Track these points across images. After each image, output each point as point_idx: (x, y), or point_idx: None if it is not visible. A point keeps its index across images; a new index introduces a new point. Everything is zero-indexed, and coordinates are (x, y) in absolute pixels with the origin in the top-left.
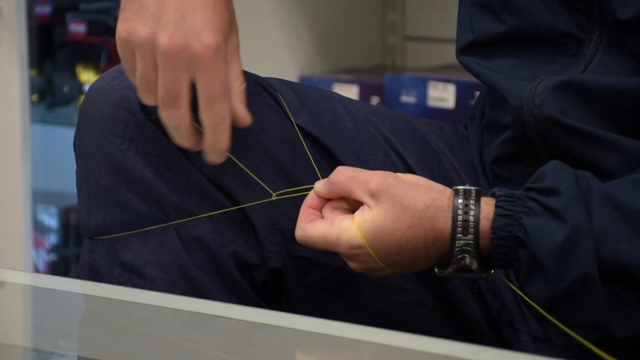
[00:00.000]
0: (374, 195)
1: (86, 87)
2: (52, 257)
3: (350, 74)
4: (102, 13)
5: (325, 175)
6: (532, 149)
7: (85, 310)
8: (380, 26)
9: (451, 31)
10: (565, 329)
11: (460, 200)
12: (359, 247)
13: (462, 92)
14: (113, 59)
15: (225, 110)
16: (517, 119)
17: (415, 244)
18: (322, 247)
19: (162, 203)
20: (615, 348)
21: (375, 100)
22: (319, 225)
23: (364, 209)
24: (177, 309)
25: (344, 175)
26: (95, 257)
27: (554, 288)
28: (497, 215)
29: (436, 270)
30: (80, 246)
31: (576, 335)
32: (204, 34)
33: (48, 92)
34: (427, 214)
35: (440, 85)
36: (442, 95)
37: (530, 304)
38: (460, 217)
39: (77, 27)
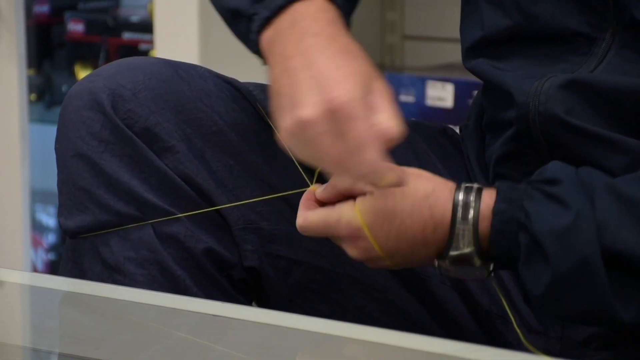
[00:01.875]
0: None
1: None
2: (51, 256)
3: None
4: (100, 12)
5: (301, 178)
6: (535, 147)
7: (83, 309)
8: (379, 25)
9: (450, 30)
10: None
11: (461, 193)
12: (358, 230)
13: (461, 92)
14: (111, 58)
15: (372, 160)
16: (522, 115)
17: (413, 232)
18: (323, 232)
19: (139, 202)
20: (618, 343)
21: None
22: (320, 211)
23: (365, 196)
24: (182, 309)
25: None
26: (78, 255)
27: (556, 271)
28: (498, 201)
29: (436, 262)
30: None
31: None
32: (333, 89)
33: (46, 92)
34: (427, 203)
35: (439, 84)
36: (441, 95)
37: (527, 296)
38: (461, 206)
39: (76, 27)
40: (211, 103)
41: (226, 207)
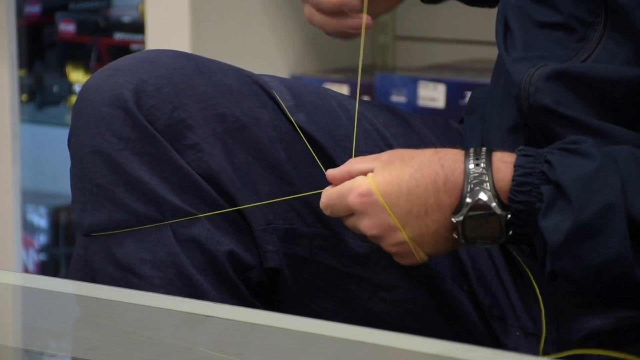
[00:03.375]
0: (386, 158)
1: (76, 87)
2: (42, 257)
3: (341, 74)
4: (91, 13)
5: (321, 173)
6: (535, 139)
7: (76, 311)
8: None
9: (442, 31)
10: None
11: (471, 150)
12: (369, 193)
13: (453, 92)
14: (102, 58)
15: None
16: (519, 107)
17: (425, 186)
18: (336, 202)
19: (159, 202)
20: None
21: (365, 99)
22: (337, 186)
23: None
24: (169, 309)
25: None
26: (90, 254)
27: (578, 216)
28: (519, 155)
29: (453, 219)
30: (71, 246)
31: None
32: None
33: (38, 92)
34: (436, 157)
35: (431, 84)
36: (433, 95)
37: (543, 261)
38: (472, 154)
39: (67, 27)
40: (233, 98)
41: (245, 207)
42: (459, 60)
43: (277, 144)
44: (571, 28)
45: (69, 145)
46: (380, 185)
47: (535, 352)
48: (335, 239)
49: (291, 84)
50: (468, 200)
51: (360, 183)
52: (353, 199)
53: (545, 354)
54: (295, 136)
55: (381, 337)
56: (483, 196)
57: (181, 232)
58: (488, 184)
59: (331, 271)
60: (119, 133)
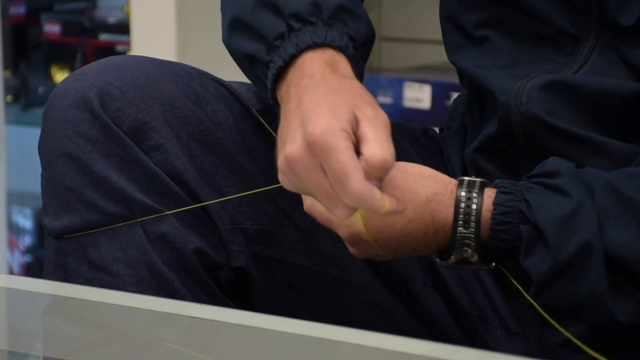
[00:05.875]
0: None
1: None
2: (27, 258)
3: None
4: (77, 13)
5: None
6: (517, 147)
7: (59, 311)
8: None
9: (428, 32)
10: (558, 327)
11: (463, 193)
12: (359, 233)
13: (438, 93)
14: (88, 59)
15: (357, 189)
16: (504, 115)
17: (415, 236)
18: (324, 224)
19: (128, 201)
20: (612, 346)
21: None
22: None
23: None
24: (146, 309)
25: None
26: (62, 256)
27: (555, 258)
28: (499, 192)
29: (437, 260)
30: None
31: (562, 329)
32: (309, 123)
33: (23, 93)
34: (428, 208)
35: (417, 85)
36: (418, 96)
37: (525, 287)
38: (462, 210)
39: (52, 28)
40: (198, 101)
41: (212, 202)
42: (445, 61)
43: (242, 147)
44: (559, 42)
45: (39, 150)
46: (372, 233)
47: (518, 352)
48: (307, 240)
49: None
50: (455, 256)
51: (350, 223)
52: (342, 232)
53: (527, 354)
54: (262, 140)
55: (364, 338)
56: (468, 253)
57: (151, 230)
58: (474, 244)
59: (305, 271)
60: (86, 135)
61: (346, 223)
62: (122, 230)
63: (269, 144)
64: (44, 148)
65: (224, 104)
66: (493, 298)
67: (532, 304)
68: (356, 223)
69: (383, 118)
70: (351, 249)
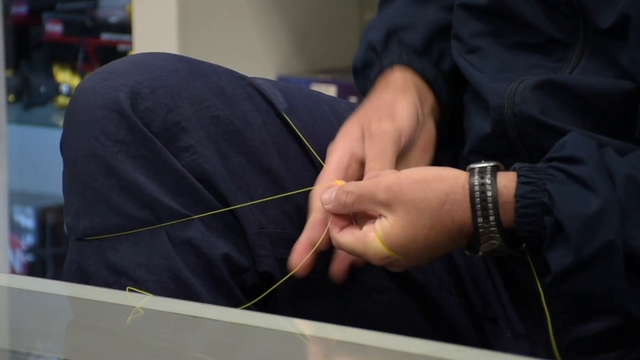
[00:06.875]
0: (386, 206)
1: (63, 88)
2: (29, 258)
3: (328, 74)
4: (78, 13)
5: (314, 177)
6: (512, 148)
7: (64, 312)
8: (358, 26)
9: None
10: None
11: (476, 182)
12: (388, 257)
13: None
14: (89, 59)
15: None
16: (498, 118)
17: (442, 240)
18: (354, 254)
19: (154, 206)
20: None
21: (353, 100)
22: (347, 237)
23: (381, 219)
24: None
25: (351, 197)
26: (83, 258)
27: (577, 255)
28: (520, 183)
29: (467, 252)
30: (58, 247)
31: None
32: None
33: (24, 93)
34: (444, 211)
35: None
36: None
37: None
38: (479, 204)
39: (54, 27)
40: (227, 100)
41: (238, 207)
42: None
43: (270, 148)
44: (549, 49)
45: (61, 149)
46: (397, 250)
47: (525, 355)
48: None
49: (283, 88)
50: (483, 248)
51: (376, 249)
52: (375, 262)
53: (534, 355)
54: (288, 139)
55: (368, 338)
56: (495, 245)
57: (176, 235)
58: (498, 235)
59: (323, 275)
60: (113, 136)
61: (373, 251)
62: (145, 235)
63: (296, 145)
64: (68, 147)
65: (251, 104)
66: (503, 299)
67: (540, 295)
68: (380, 248)
69: (382, 132)
70: (392, 270)
